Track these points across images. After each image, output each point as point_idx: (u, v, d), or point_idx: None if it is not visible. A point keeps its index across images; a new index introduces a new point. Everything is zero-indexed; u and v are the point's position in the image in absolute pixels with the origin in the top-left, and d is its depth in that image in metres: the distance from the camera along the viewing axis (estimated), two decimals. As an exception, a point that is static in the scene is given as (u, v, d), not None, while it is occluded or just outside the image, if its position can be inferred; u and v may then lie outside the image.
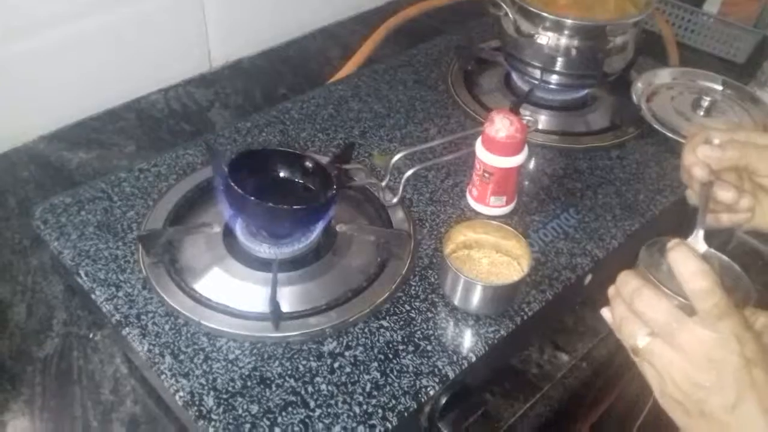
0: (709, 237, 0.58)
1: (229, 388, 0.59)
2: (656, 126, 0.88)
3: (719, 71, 0.98)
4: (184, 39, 1.04)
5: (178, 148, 0.83)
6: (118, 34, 0.95)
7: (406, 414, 0.58)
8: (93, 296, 0.66)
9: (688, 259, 0.48)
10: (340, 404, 0.58)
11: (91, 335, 0.71)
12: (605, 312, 0.55)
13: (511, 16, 0.87)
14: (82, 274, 0.67)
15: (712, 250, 0.56)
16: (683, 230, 0.58)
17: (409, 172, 0.74)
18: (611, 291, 0.55)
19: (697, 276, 0.48)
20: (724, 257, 0.56)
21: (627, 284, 0.52)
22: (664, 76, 0.97)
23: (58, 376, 0.67)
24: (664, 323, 0.49)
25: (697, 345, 0.47)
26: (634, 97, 0.92)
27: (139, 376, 0.68)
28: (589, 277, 0.73)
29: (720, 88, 0.95)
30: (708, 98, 0.91)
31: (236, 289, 0.66)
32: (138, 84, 1.02)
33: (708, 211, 0.61)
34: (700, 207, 0.60)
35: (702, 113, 0.91)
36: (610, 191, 0.81)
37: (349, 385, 0.59)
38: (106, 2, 0.91)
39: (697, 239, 0.57)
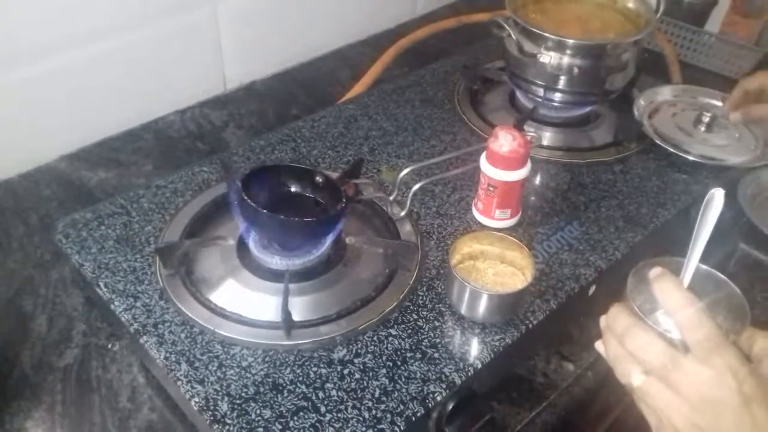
0: (712, 251, 0.58)
1: (243, 394, 0.60)
2: (658, 141, 0.90)
3: (720, 88, 1.00)
4: (200, 62, 1.07)
5: (194, 165, 0.86)
6: (136, 57, 0.99)
7: (413, 419, 0.60)
8: (112, 307, 0.68)
9: (672, 293, 0.48)
10: (349, 409, 0.60)
11: (109, 346, 0.73)
12: (599, 346, 0.54)
13: (514, 36, 0.90)
14: (102, 286, 0.70)
15: (705, 267, 0.53)
16: (683, 242, 0.58)
17: (416, 187, 0.77)
18: (602, 323, 0.54)
19: (683, 309, 0.47)
20: (718, 275, 0.54)
21: (617, 321, 0.51)
22: (665, 93, 1.00)
23: (77, 385, 0.69)
24: (659, 364, 0.48)
25: (692, 385, 0.47)
26: (636, 114, 0.94)
27: (156, 385, 0.70)
28: (593, 288, 0.75)
29: (720, 104, 0.97)
30: (709, 114, 0.93)
31: (249, 299, 0.68)
32: (156, 105, 1.05)
33: None
34: (697, 230, 0.53)
35: (703, 129, 0.93)
36: (612, 204, 0.83)
37: (359, 391, 0.61)
38: (125, 26, 0.95)
39: (692, 263, 0.53)
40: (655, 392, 0.48)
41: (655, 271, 0.50)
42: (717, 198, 0.51)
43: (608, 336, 0.52)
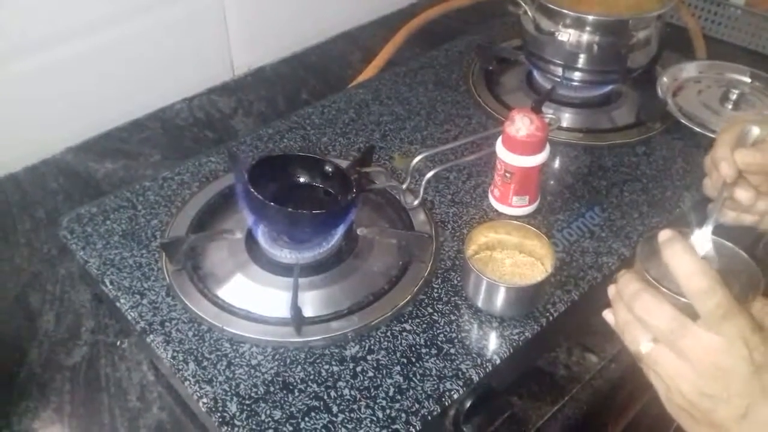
0: (740, 234, 0.56)
1: (252, 394, 0.59)
2: (683, 120, 0.86)
3: (747, 63, 0.95)
4: (207, 48, 1.05)
5: (201, 156, 0.84)
6: (142, 45, 0.96)
7: (430, 418, 0.57)
8: (118, 304, 0.67)
9: (683, 258, 0.46)
10: (363, 409, 0.58)
11: (118, 343, 0.72)
12: (607, 314, 0.53)
13: (530, 14, 0.87)
14: (108, 283, 0.68)
15: (717, 239, 0.53)
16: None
17: (430, 174, 0.74)
18: (611, 291, 0.52)
19: (694, 276, 0.45)
20: (729, 244, 0.53)
21: (627, 287, 0.50)
22: (690, 69, 0.95)
23: (86, 384, 0.68)
24: (667, 330, 0.46)
25: (702, 352, 0.45)
26: (660, 92, 0.90)
27: (166, 383, 0.68)
28: (616, 277, 0.72)
29: (748, 80, 0.93)
30: (736, 91, 0.89)
31: (259, 295, 0.66)
32: (162, 94, 1.03)
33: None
34: (716, 203, 0.58)
35: (730, 106, 0.89)
36: (636, 188, 0.79)
37: (372, 390, 0.59)
38: (129, 14, 0.93)
39: (706, 233, 0.54)
40: (663, 360, 0.47)
41: (664, 234, 0.48)
42: None
43: (617, 303, 0.51)
